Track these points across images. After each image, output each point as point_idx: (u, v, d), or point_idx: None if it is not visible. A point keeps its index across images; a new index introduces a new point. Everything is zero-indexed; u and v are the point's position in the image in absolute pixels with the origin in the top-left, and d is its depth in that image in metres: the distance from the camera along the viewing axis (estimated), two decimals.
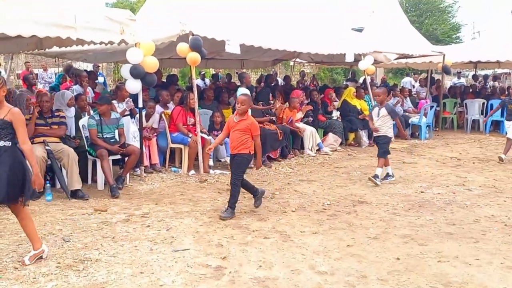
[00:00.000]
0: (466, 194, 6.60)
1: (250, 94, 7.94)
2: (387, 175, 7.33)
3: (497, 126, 13.91)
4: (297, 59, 14.98)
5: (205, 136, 7.95)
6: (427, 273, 3.91)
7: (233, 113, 8.55)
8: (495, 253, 4.35)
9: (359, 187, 7.03)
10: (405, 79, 20.90)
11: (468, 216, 5.57)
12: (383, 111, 7.17)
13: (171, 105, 8.59)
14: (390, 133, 7.28)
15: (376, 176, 7.06)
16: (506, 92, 15.25)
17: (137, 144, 7.06)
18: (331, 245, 4.56)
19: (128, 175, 6.93)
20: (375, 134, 7.44)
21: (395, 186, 7.06)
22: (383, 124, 7.18)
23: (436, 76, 17.94)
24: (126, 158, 6.78)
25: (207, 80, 16.48)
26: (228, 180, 7.30)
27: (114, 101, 7.76)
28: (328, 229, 5.06)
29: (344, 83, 18.51)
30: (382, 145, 7.23)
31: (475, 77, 19.00)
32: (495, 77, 22.01)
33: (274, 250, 4.40)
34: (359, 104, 11.33)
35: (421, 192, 6.73)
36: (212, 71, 18.29)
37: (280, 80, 15.78)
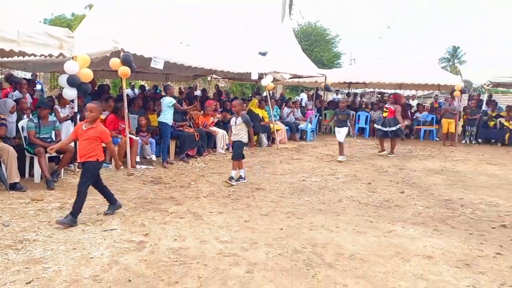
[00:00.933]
0: (334, 181, 7.10)
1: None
2: (240, 177, 6.83)
3: (362, 132, 15.09)
4: (213, 75, 15.15)
5: (133, 136, 7.86)
6: (301, 238, 4.24)
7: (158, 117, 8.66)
8: (350, 223, 4.80)
9: (257, 177, 7.26)
10: (302, 94, 21.82)
11: (335, 197, 6.03)
12: (239, 120, 6.76)
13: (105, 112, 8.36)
14: (245, 139, 6.85)
15: (231, 178, 6.64)
16: (370, 106, 16.56)
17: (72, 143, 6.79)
18: (232, 221, 4.76)
19: (63, 170, 6.67)
20: (232, 138, 6.96)
21: (284, 177, 7.38)
22: (240, 131, 6.78)
23: (321, 93, 18.90)
24: (62, 155, 6.54)
25: (136, 90, 16.13)
26: (152, 173, 7.38)
27: (57, 106, 7.43)
28: (231, 209, 5.25)
29: (250, 95, 19.02)
30: (236, 149, 6.82)
31: (348, 94, 20.38)
32: (362, 95, 23.80)
33: (188, 227, 4.51)
34: (261, 112, 11.68)
35: (303, 180, 7.12)
36: (140, 82, 17.92)
37: (199, 92, 15.87)
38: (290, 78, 13.95)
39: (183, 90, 14.85)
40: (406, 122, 10.26)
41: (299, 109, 14.36)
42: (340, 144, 9.27)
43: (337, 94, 22.36)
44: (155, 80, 15.51)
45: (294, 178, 7.29)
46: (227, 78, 16.45)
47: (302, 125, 13.08)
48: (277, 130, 11.56)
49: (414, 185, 6.93)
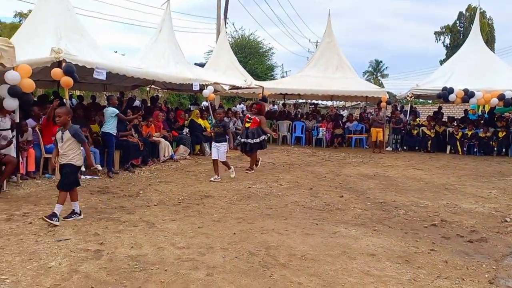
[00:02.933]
0: (279, 188, 7.33)
1: (116, 112, 7.96)
2: (73, 212, 5.00)
3: (298, 141, 15.67)
4: (153, 86, 15.02)
5: None
6: (254, 242, 4.42)
7: (100, 128, 8.47)
8: (298, 226, 5.06)
9: (204, 186, 7.35)
10: (240, 105, 22.12)
11: (281, 202, 6.27)
12: (67, 134, 4.83)
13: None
14: (79, 160, 4.89)
15: (53, 216, 4.68)
16: (305, 116, 17.29)
17: (14, 154, 6.51)
18: (186, 228, 4.83)
19: (5, 182, 6.35)
20: (60, 161, 4.87)
21: (230, 184, 7.53)
22: (68, 150, 4.83)
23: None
24: (3, 167, 6.22)
25: (74, 101, 15.42)
26: (98, 184, 7.23)
27: None
28: (183, 216, 5.31)
29: (189, 106, 19.00)
30: (64, 175, 4.85)
31: (284, 104, 21.07)
32: (297, 105, 24.71)
33: (142, 235, 4.53)
34: (203, 123, 11.78)
35: (249, 187, 7.31)
36: (77, 92, 17.13)
37: (138, 102, 15.53)
38: (230, 89, 14.23)
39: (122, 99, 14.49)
40: (274, 134, 9.60)
41: (239, 118, 14.63)
42: (215, 161, 7.87)
43: (273, 105, 23.01)
44: (92, 90, 15.01)
45: (240, 186, 7.44)
46: (166, 89, 16.32)
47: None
48: None
49: (351, 190, 7.37)
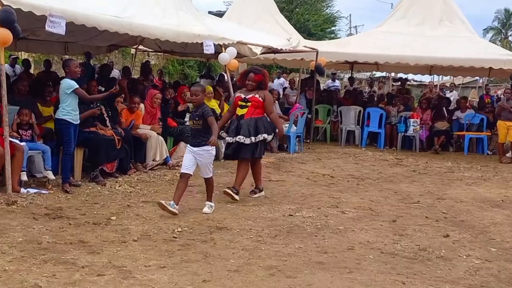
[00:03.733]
0: (339, 218, 7.15)
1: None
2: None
3: (373, 139, 15.37)
4: (140, 46, 15.02)
5: (16, 141, 7.69)
6: None
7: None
8: (371, 285, 4.83)
9: (217, 210, 7.22)
10: (277, 80, 21.94)
11: (342, 242, 6.05)
12: None
13: None
14: None
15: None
16: (386, 100, 16.91)
17: None
18: (183, 281, 4.67)
19: None
20: None
21: (260, 209, 7.43)
22: None
23: (304, 77, 19.10)
24: None
25: (18, 67, 15.69)
26: (46, 202, 7.25)
27: None
28: (180, 261, 5.17)
29: (197, 79, 19.01)
30: None
31: (351, 79, 20.70)
32: (371, 81, 24.28)
33: None
34: (217, 106, 11.74)
35: (290, 215, 7.14)
36: (23, 55, 17.44)
37: (117, 72, 15.67)
38: (263, 54, 13.98)
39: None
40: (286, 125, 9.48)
41: (277, 102, 14.47)
42: (184, 178, 7.07)
43: (333, 80, 22.76)
44: (47, 53, 15.12)
45: (275, 212, 7.34)
46: (161, 52, 16.32)
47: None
48: None
49: (463, 225, 7.11)
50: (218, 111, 11.68)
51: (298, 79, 18.54)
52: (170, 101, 11.46)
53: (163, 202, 6.81)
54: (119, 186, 8.42)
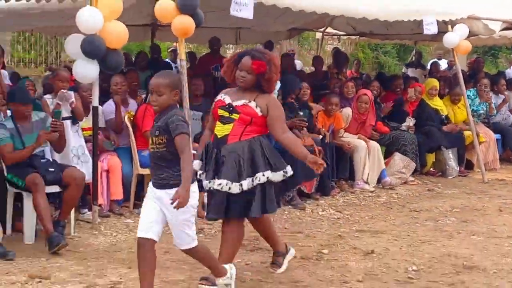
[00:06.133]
0: None
1: None
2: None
3: None
4: (329, 29, 13.61)
5: (194, 152, 6.91)
6: None
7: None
8: None
9: (459, 243, 6.40)
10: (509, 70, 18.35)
11: None
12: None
13: (133, 102, 7.97)
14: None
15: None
16: None
17: (84, 168, 6.42)
18: None
19: (73, 220, 6.33)
20: None
21: None
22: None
23: None
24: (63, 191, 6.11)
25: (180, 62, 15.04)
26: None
27: (47, 96, 7.03)
28: None
29: (403, 70, 17.04)
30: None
31: None
32: None
33: None
34: (441, 106, 10.61)
35: None
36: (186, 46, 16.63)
37: (300, 64, 14.78)
38: (502, 30, 11.69)
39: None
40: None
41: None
42: (145, 245, 4.23)
43: None
44: (203, 43, 13.68)
45: None
46: (356, 35, 14.91)
47: None
48: (480, 143, 10.22)
49: None
50: (444, 113, 10.48)
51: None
52: (378, 100, 10.26)
53: None
54: (322, 211, 7.82)
